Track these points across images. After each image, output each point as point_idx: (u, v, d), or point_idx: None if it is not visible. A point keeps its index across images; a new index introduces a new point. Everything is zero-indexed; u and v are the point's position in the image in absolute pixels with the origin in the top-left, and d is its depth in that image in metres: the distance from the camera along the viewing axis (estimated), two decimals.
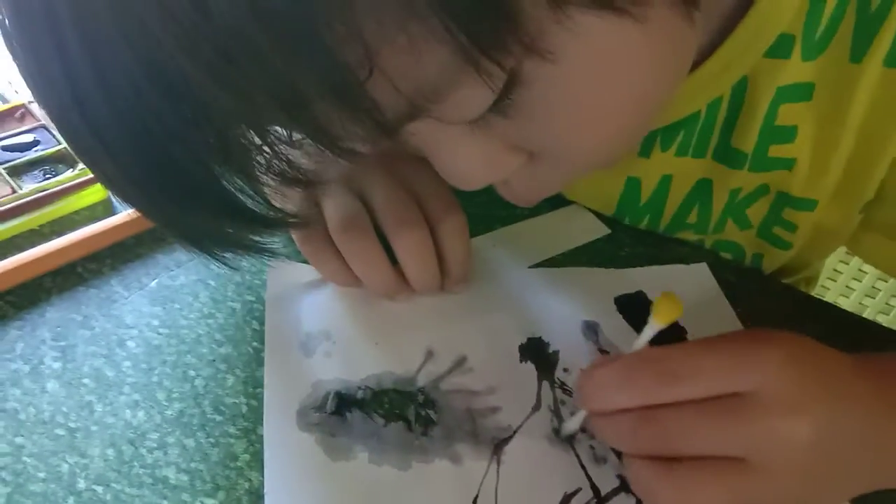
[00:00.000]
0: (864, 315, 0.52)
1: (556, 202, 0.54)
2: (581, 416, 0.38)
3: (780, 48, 0.43)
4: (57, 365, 0.40)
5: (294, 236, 0.45)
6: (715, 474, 0.32)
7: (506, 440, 0.39)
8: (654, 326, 0.34)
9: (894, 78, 0.41)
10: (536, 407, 0.41)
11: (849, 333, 0.47)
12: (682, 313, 0.33)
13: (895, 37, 0.40)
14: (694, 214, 0.52)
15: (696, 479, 0.32)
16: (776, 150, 0.46)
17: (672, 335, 0.45)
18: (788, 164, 0.47)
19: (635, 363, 0.34)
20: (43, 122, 0.52)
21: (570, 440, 0.40)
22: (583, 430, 0.40)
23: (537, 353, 0.44)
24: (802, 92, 0.44)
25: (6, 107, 0.53)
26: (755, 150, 0.46)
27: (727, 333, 0.34)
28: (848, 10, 0.41)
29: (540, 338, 0.45)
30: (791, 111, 0.44)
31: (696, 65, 0.44)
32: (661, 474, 0.33)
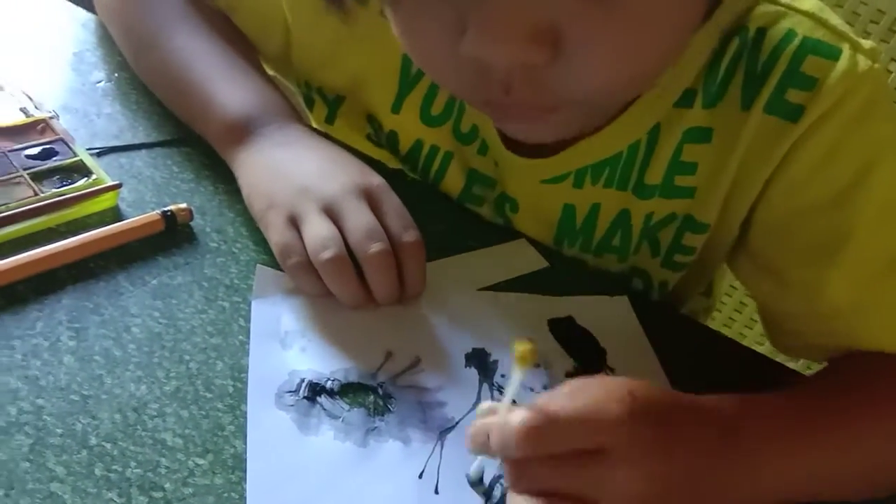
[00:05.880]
0: (743, 343, 0.63)
1: (504, 235, 0.62)
2: (479, 461, 0.45)
3: (685, 99, 0.54)
4: (72, 343, 0.47)
5: (278, 257, 0.53)
6: None
7: (449, 429, 0.47)
8: (519, 374, 0.39)
9: (769, 122, 0.52)
10: (476, 404, 0.49)
11: (742, 365, 0.57)
12: (536, 357, 0.39)
13: (774, 89, 0.51)
14: (617, 239, 0.62)
15: None
16: (681, 181, 0.58)
17: (593, 358, 0.54)
18: (691, 192, 0.58)
19: (508, 425, 0.39)
20: (61, 136, 0.59)
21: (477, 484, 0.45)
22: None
23: (480, 360, 0.52)
24: (703, 135, 0.55)
25: (29, 120, 0.60)
26: (663, 180, 0.57)
27: (588, 382, 0.41)
28: (738, 69, 0.53)
29: (483, 348, 0.53)
30: (693, 150, 0.56)
31: (619, 113, 0.55)
32: None
